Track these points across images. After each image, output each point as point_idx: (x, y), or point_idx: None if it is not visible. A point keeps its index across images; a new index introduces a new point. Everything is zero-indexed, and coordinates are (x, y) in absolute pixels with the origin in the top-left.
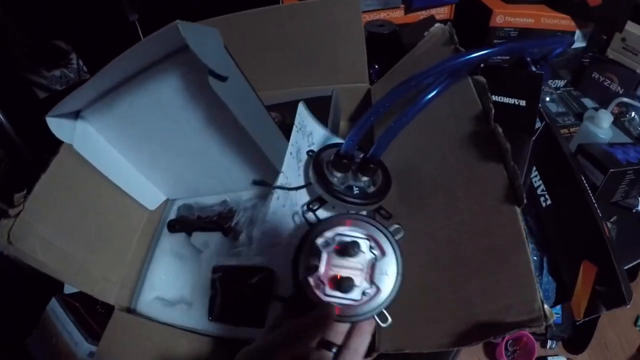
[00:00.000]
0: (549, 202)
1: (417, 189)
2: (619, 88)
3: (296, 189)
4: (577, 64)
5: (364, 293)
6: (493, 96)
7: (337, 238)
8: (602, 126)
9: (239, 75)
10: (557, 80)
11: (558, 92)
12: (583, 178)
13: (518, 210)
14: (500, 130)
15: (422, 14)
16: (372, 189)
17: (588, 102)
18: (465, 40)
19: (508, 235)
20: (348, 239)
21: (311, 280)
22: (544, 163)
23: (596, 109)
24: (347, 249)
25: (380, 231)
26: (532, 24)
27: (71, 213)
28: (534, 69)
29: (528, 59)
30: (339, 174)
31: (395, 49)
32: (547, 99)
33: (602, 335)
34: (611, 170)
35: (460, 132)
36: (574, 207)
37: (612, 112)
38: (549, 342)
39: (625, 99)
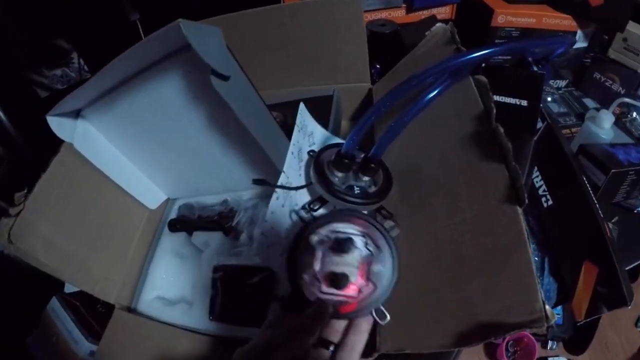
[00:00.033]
0: (550, 202)
1: (419, 189)
2: (621, 88)
3: (297, 188)
4: (578, 64)
5: (360, 290)
6: (494, 96)
7: (332, 235)
8: (604, 126)
9: (241, 74)
10: (558, 81)
11: (559, 92)
12: (584, 178)
13: (519, 210)
14: (501, 130)
15: (424, 14)
16: (373, 189)
17: (589, 102)
18: (467, 40)
19: (509, 236)
20: (342, 236)
21: (306, 278)
22: (545, 163)
23: (597, 109)
24: (342, 246)
25: (375, 227)
26: (534, 24)
27: (72, 212)
28: (535, 69)
29: (529, 58)
30: (340, 174)
31: (397, 48)
32: (549, 99)
33: (603, 336)
34: (613, 170)
35: (461, 131)
36: (575, 207)
37: (613, 113)
38: (550, 342)
39: (627, 100)
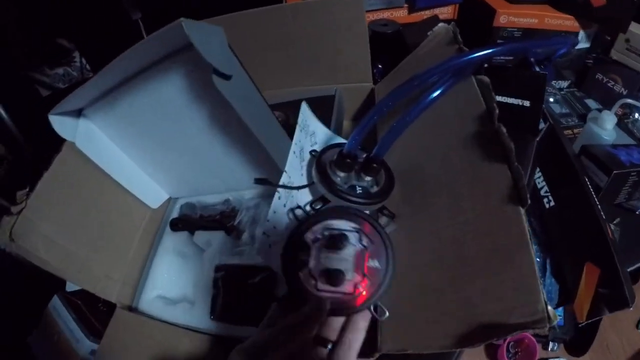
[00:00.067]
0: (552, 203)
1: (421, 189)
2: (623, 89)
3: (298, 188)
4: (580, 65)
5: (356, 286)
6: (497, 96)
7: (325, 232)
8: (606, 127)
9: (243, 74)
10: (560, 81)
11: (562, 92)
12: (586, 179)
13: (522, 210)
14: (504, 130)
15: (426, 14)
16: (375, 189)
17: (592, 103)
18: (469, 40)
19: (512, 236)
20: (336, 232)
21: (302, 275)
22: (547, 164)
23: (600, 110)
24: (336, 242)
25: (369, 223)
26: (536, 24)
27: (73, 211)
28: (537, 69)
29: (532, 59)
30: (342, 174)
31: (399, 48)
32: (551, 99)
33: (604, 338)
34: (615, 171)
35: (464, 131)
36: (577, 208)
37: (615, 114)
38: (551, 344)
39: (629, 100)
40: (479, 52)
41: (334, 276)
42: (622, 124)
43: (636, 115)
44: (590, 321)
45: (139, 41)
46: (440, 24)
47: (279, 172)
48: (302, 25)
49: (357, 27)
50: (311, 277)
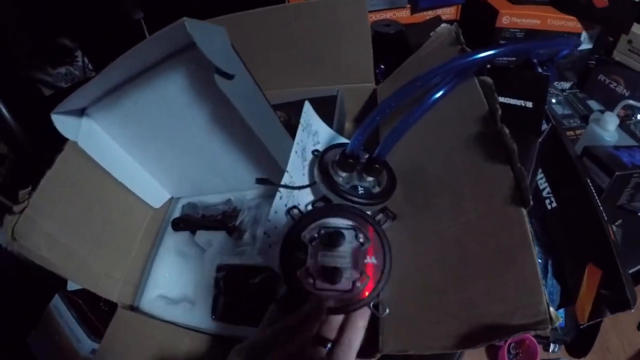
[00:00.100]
0: (554, 204)
1: (423, 189)
2: (625, 90)
3: (300, 188)
4: (583, 66)
5: (354, 283)
6: (499, 97)
7: (322, 230)
8: (608, 129)
9: (246, 73)
10: (563, 82)
11: (564, 94)
12: (589, 181)
13: (524, 212)
14: (507, 131)
15: (428, 14)
16: (377, 189)
17: (594, 104)
18: (471, 41)
19: (514, 237)
20: (332, 230)
21: (300, 274)
22: (549, 165)
23: (602, 112)
24: (332, 240)
25: (365, 219)
26: (538, 25)
27: (76, 210)
28: (540, 70)
29: (534, 60)
30: (344, 174)
31: (401, 49)
32: (553, 100)
33: (605, 339)
34: (617, 173)
35: (466, 132)
36: (579, 210)
37: (618, 115)
38: (552, 345)
39: (632, 102)
40: (483, 52)
41: (332, 274)
42: (624, 125)
43: (638, 116)
44: (591, 323)
45: (140, 41)
46: (443, 25)
47: (281, 172)
48: (304, 25)
49: (359, 27)
50: (309, 276)
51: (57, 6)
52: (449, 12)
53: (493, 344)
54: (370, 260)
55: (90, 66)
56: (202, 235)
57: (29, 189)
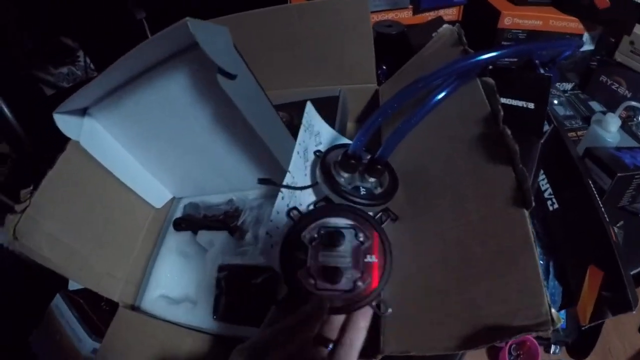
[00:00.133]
0: (556, 205)
1: (425, 190)
2: (627, 92)
3: (302, 188)
4: (584, 67)
5: (355, 282)
6: (501, 98)
7: (321, 230)
8: (610, 130)
9: (248, 73)
10: (564, 83)
11: (566, 95)
12: (590, 182)
13: (526, 213)
14: (509, 132)
15: (430, 15)
16: (379, 190)
17: (596, 105)
18: (473, 42)
19: (516, 238)
20: (332, 230)
21: (301, 275)
22: (551, 166)
23: (604, 113)
24: (332, 239)
25: (365, 218)
26: (540, 26)
27: (77, 210)
28: (542, 71)
29: (536, 61)
30: (346, 175)
31: (404, 49)
32: (555, 102)
33: (607, 341)
34: (618, 174)
35: (468, 133)
36: (581, 211)
37: (619, 116)
38: (553, 346)
39: (634, 103)
40: (485, 54)
41: (332, 274)
42: (626, 126)
43: None
44: (592, 324)
45: (143, 41)
46: (445, 26)
47: (283, 172)
48: (307, 25)
49: (361, 27)
50: (310, 277)
51: (57, 6)
52: (450, 13)
53: (494, 345)
54: (371, 259)
55: (92, 66)
56: (203, 235)
57: (31, 188)
